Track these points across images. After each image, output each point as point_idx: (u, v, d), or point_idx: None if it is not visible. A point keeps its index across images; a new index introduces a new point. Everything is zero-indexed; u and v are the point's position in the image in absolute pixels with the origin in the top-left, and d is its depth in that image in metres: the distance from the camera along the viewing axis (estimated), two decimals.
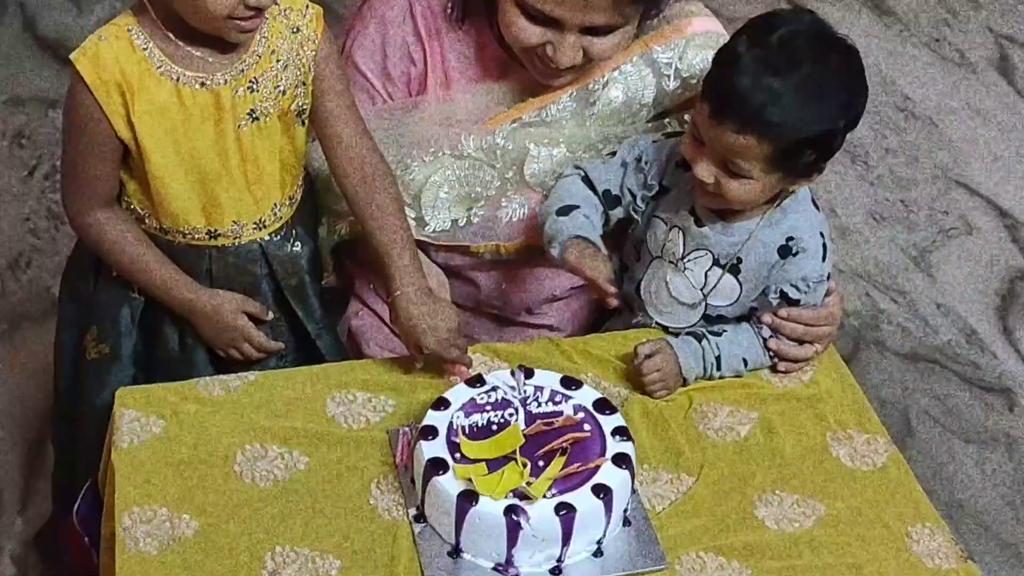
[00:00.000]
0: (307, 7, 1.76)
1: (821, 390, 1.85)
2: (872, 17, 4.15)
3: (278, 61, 1.73)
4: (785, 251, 1.82)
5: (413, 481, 1.63)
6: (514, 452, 1.58)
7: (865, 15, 4.15)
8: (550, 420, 1.63)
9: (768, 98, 1.66)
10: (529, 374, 1.69)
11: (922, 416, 2.84)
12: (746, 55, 1.68)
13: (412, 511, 1.62)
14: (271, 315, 1.90)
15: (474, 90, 1.96)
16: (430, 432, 1.61)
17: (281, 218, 1.85)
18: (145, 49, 1.67)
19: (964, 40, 4.09)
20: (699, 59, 1.95)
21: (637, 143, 1.93)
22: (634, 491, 1.63)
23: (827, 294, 1.87)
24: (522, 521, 1.51)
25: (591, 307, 2.18)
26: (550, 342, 1.91)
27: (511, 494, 1.53)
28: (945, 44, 4.07)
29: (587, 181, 1.92)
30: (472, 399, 1.66)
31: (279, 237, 1.86)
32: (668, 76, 1.97)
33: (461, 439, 1.59)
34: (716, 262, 1.85)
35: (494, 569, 1.56)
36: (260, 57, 1.72)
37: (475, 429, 1.62)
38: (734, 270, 1.85)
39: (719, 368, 1.83)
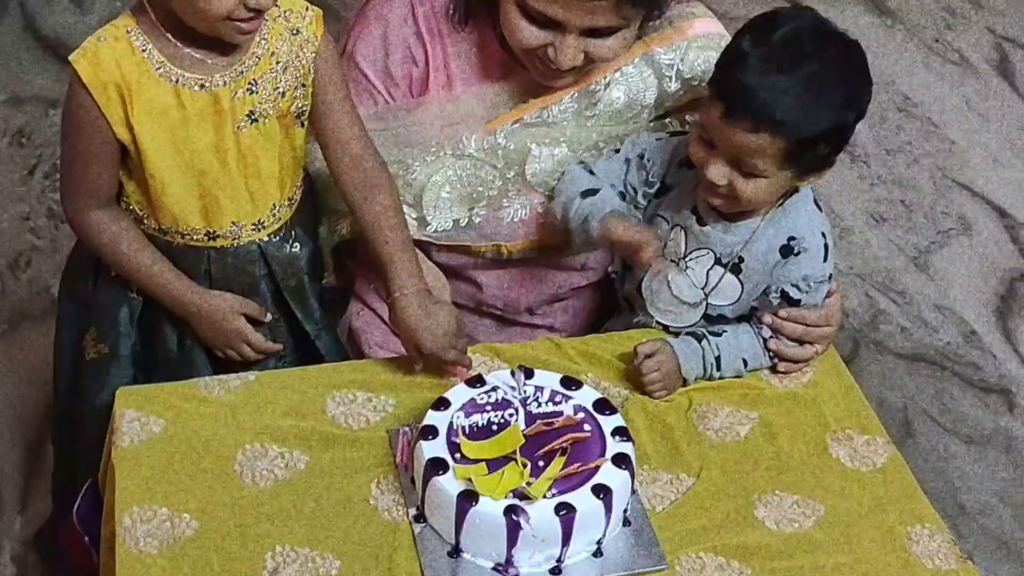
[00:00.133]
0: (307, 9, 1.76)
1: (821, 391, 1.85)
2: (872, 17, 4.15)
3: (278, 63, 1.73)
4: (787, 251, 1.82)
5: (413, 481, 1.63)
6: (514, 452, 1.58)
7: (865, 15, 4.15)
8: (550, 420, 1.63)
9: (779, 95, 1.66)
10: (529, 374, 1.69)
11: (922, 416, 2.84)
12: (752, 54, 1.68)
13: (412, 511, 1.62)
14: (269, 317, 1.90)
15: (476, 91, 1.96)
16: (430, 432, 1.61)
17: (280, 219, 1.85)
18: (144, 50, 1.67)
19: (964, 41, 4.09)
20: (701, 60, 1.95)
21: (640, 140, 1.94)
22: (634, 491, 1.63)
23: (827, 295, 1.87)
24: (522, 521, 1.51)
25: (591, 307, 2.18)
26: (550, 342, 1.91)
27: (511, 494, 1.53)
28: (945, 45, 4.07)
29: (592, 175, 1.93)
30: (472, 399, 1.66)
31: (278, 238, 1.86)
32: (670, 77, 1.97)
33: (461, 439, 1.59)
34: (718, 261, 1.85)
35: (494, 569, 1.56)
36: (259, 59, 1.71)
37: (475, 429, 1.62)
38: (736, 269, 1.85)
39: (719, 368, 1.83)
